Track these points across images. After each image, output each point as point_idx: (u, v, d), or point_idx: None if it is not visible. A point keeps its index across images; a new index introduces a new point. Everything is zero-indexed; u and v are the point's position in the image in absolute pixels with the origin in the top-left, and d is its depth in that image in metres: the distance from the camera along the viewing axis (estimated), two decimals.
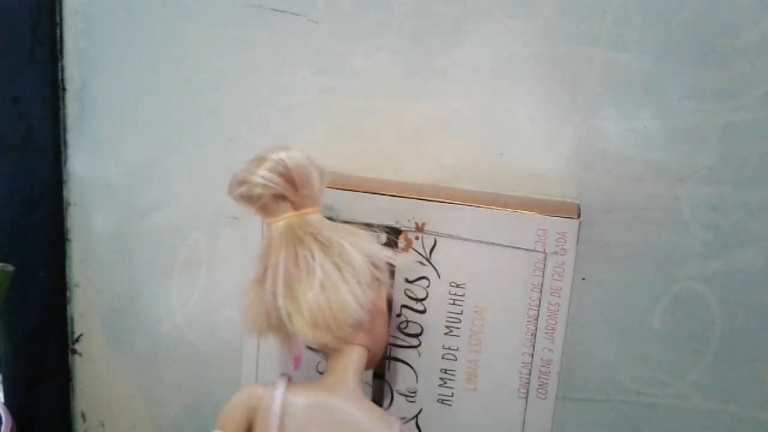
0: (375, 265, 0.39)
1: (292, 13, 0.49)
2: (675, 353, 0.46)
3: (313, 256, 0.37)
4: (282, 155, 0.38)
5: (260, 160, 0.38)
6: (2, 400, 0.59)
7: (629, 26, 0.43)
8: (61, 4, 0.54)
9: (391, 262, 0.40)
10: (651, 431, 0.48)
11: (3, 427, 0.52)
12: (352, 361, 0.39)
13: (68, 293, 0.60)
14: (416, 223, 0.44)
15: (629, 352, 0.47)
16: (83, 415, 0.62)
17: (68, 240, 0.59)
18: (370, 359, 0.40)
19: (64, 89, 0.56)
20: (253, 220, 0.46)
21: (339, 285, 0.37)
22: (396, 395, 0.46)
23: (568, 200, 0.45)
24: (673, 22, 0.42)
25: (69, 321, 0.60)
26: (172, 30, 0.52)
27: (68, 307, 0.60)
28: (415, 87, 0.47)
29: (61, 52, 0.55)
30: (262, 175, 0.38)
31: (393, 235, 0.44)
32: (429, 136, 0.48)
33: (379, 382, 0.46)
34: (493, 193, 0.46)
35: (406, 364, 0.45)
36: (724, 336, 0.45)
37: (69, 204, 0.58)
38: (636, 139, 0.44)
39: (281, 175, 0.38)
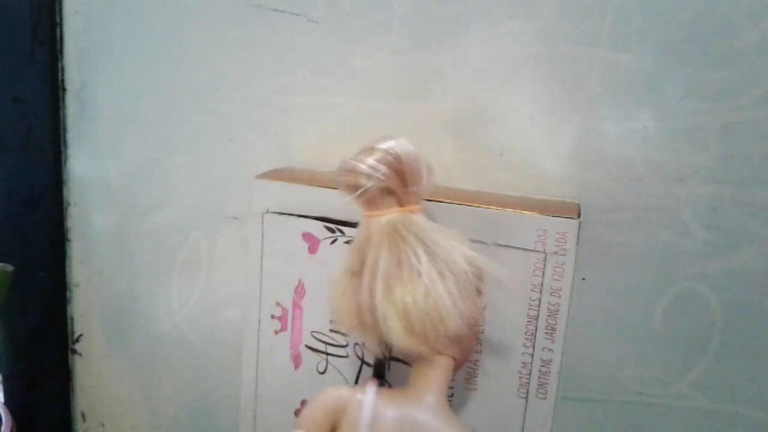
0: (477, 276, 0.36)
1: (292, 13, 0.49)
2: (675, 353, 0.46)
3: (418, 259, 0.35)
4: (392, 144, 0.36)
5: (370, 149, 0.36)
6: (2, 400, 0.59)
7: (629, 26, 0.43)
8: (61, 4, 0.54)
9: (494, 273, 0.37)
10: (651, 431, 0.48)
11: (3, 427, 0.52)
12: (441, 372, 0.36)
13: (68, 293, 0.60)
14: None
15: (629, 352, 0.47)
16: (83, 415, 0.62)
17: (68, 240, 0.59)
18: (455, 368, 0.39)
19: (64, 89, 0.56)
20: (253, 220, 0.46)
21: (443, 294, 0.34)
22: None
23: (568, 200, 0.45)
24: (673, 22, 0.42)
25: (69, 321, 0.60)
26: (172, 30, 0.52)
27: (68, 307, 0.60)
28: (415, 87, 0.47)
29: (61, 52, 0.55)
30: (372, 165, 0.35)
31: None
32: (429, 136, 0.48)
33: (379, 382, 0.46)
34: (493, 193, 0.46)
35: (407, 364, 0.45)
36: (724, 336, 0.45)
37: (69, 204, 0.58)
38: (636, 139, 0.44)
39: (391, 167, 0.35)
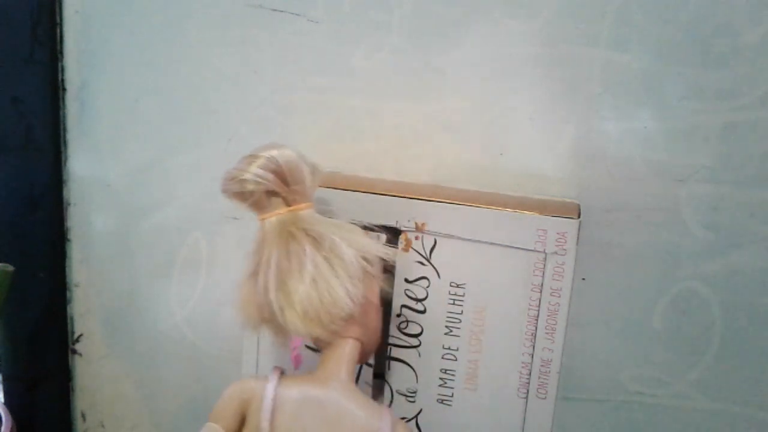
0: (366, 259, 0.39)
1: (292, 13, 0.49)
2: (675, 353, 0.46)
3: (304, 251, 0.38)
4: (273, 152, 0.39)
5: (252, 157, 0.39)
6: (2, 400, 0.59)
7: (629, 26, 0.43)
8: (61, 4, 0.54)
9: (382, 256, 0.40)
10: (651, 431, 0.48)
11: (3, 427, 0.52)
12: (345, 354, 0.39)
13: (68, 293, 0.60)
14: (416, 223, 0.44)
15: (629, 352, 0.47)
16: (83, 415, 0.62)
17: (68, 240, 0.59)
18: (363, 352, 0.40)
19: (64, 89, 0.56)
20: (253, 220, 0.46)
21: (330, 279, 0.37)
22: (396, 395, 0.46)
23: (568, 200, 0.45)
24: (673, 22, 0.42)
25: (69, 321, 0.60)
26: (172, 30, 0.52)
27: (68, 307, 0.60)
28: (415, 87, 0.47)
29: (61, 52, 0.55)
30: (254, 172, 0.38)
31: (392, 235, 0.44)
32: (429, 136, 0.48)
33: (379, 382, 0.46)
34: (493, 193, 0.46)
35: (406, 364, 0.45)
36: (724, 336, 0.45)
37: (69, 204, 0.58)
38: (636, 139, 0.44)
39: (273, 171, 0.38)
